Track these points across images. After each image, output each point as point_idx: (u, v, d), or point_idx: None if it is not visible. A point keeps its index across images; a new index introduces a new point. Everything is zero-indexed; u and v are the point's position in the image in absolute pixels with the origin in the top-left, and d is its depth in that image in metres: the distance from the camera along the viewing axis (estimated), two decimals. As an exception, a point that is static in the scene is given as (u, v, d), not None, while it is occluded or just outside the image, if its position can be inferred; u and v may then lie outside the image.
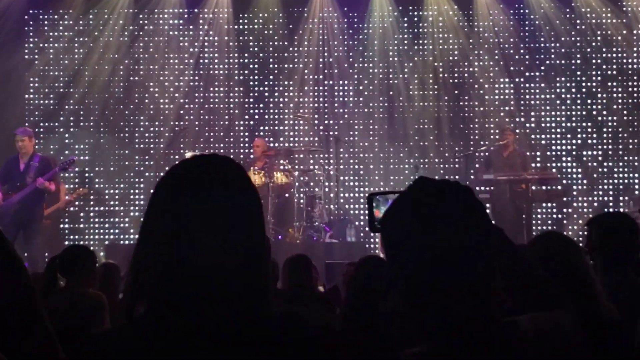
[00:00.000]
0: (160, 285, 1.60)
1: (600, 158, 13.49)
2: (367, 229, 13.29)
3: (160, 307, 1.60)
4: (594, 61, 13.61)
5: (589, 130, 13.55)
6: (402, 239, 1.70)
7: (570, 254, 3.45)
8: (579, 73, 13.63)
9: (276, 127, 13.70)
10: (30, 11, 13.57)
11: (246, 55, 13.75)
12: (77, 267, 5.13)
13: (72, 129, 13.49)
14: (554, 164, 13.43)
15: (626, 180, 13.44)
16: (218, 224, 1.61)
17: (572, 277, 3.30)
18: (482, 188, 11.88)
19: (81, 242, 13.18)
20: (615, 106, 13.54)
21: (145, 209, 1.66)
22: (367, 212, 2.08)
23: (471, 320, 1.67)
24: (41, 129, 13.40)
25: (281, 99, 13.67)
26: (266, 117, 13.70)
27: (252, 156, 12.79)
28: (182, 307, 1.59)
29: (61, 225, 12.94)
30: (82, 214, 13.43)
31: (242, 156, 13.44)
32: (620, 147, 13.50)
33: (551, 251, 3.45)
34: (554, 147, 13.57)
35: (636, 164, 13.47)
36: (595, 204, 13.36)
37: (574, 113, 13.59)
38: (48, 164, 10.71)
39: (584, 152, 13.51)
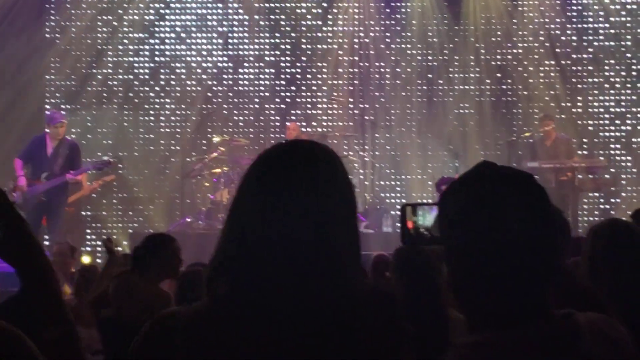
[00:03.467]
0: (246, 264, 1.63)
1: (651, 145, 12.91)
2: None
3: (245, 285, 1.62)
4: (645, 43, 12.99)
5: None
6: (462, 222, 1.65)
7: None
8: (629, 55, 12.95)
9: (309, 111, 13.12)
10: (52, -12, 13.04)
11: (277, 35, 13.18)
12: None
13: (94, 112, 13.00)
14: (601, 152, 12.85)
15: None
16: (305, 206, 1.64)
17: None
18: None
19: (104, 231, 12.80)
20: (667, 91, 12.96)
21: (236, 188, 1.69)
22: (399, 222, 2.06)
23: (527, 313, 1.62)
24: (62, 111, 12.85)
25: (314, 82, 13.11)
26: (298, 100, 13.14)
27: (284, 141, 12.24)
28: (266, 285, 1.61)
29: (82, 213, 12.45)
30: (104, 201, 12.91)
31: (272, 141, 12.91)
32: (673, 133, 12.88)
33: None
34: (602, 134, 12.97)
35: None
36: (646, 194, 12.79)
37: (623, 98, 12.95)
38: (77, 150, 10.53)
39: (634, 139, 12.89)
